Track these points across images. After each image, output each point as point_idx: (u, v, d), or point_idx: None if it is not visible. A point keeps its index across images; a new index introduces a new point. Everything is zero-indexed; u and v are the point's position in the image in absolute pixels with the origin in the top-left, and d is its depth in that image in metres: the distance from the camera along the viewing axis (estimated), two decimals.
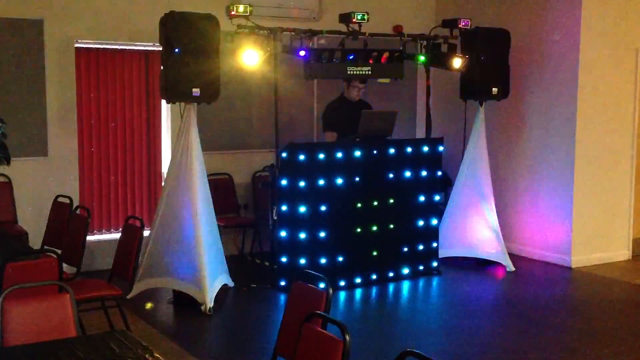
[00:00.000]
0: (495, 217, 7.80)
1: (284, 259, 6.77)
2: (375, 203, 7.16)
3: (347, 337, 3.03)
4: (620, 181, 8.25)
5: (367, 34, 7.10)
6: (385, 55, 7.19)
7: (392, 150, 7.26)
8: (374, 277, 7.21)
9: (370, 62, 7.11)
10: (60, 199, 6.43)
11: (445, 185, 8.28)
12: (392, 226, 7.28)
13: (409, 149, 7.38)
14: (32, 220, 6.91)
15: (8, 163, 6.10)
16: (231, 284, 6.80)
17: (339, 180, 6.92)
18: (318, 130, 8.31)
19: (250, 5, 6.55)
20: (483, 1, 8.75)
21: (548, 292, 7.19)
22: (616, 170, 8.21)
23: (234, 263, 7.33)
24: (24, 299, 3.60)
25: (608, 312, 6.58)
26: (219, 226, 6.76)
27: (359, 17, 6.88)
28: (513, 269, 7.72)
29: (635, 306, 6.80)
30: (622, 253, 8.32)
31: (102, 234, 7.72)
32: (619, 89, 8.12)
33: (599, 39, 7.87)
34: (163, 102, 7.65)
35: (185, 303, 6.34)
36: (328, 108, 7.64)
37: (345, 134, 7.26)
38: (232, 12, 6.50)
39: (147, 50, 7.73)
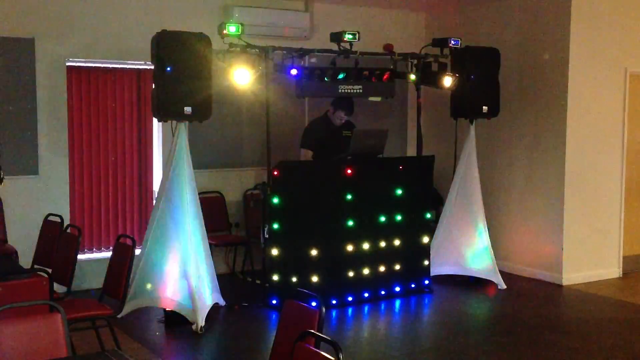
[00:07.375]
0: (487, 235, 7.82)
1: (275, 277, 6.75)
2: (367, 221, 7.16)
3: (341, 356, 3.01)
4: (610, 199, 8.29)
5: (358, 53, 7.14)
6: (387, 74, 7.23)
7: (383, 168, 7.27)
8: (366, 295, 7.20)
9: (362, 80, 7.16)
10: (50, 218, 6.40)
11: (437, 203, 8.29)
12: (383, 244, 7.28)
13: (401, 167, 7.39)
14: (22, 239, 6.85)
15: (1, 182, 6.07)
16: (222, 302, 6.77)
17: (331, 199, 6.92)
18: None
19: (242, 25, 6.57)
20: (473, 20, 8.82)
21: (539, 310, 7.19)
22: (606, 188, 8.25)
23: (225, 281, 7.30)
24: (14, 319, 3.56)
25: (599, 330, 6.59)
26: (210, 244, 6.75)
27: (350, 37, 6.91)
28: (504, 286, 7.72)
29: (626, 324, 6.81)
30: (612, 270, 8.35)
31: (92, 252, 7.68)
32: (608, 107, 8.18)
33: (588, 58, 7.94)
34: (154, 120, 7.65)
35: (177, 322, 6.31)
36: (311, 125, 7.66)
37: (323, 154, 7.26)
38: (224, 31, 6.52)
39: (139, 68, 7.74)
